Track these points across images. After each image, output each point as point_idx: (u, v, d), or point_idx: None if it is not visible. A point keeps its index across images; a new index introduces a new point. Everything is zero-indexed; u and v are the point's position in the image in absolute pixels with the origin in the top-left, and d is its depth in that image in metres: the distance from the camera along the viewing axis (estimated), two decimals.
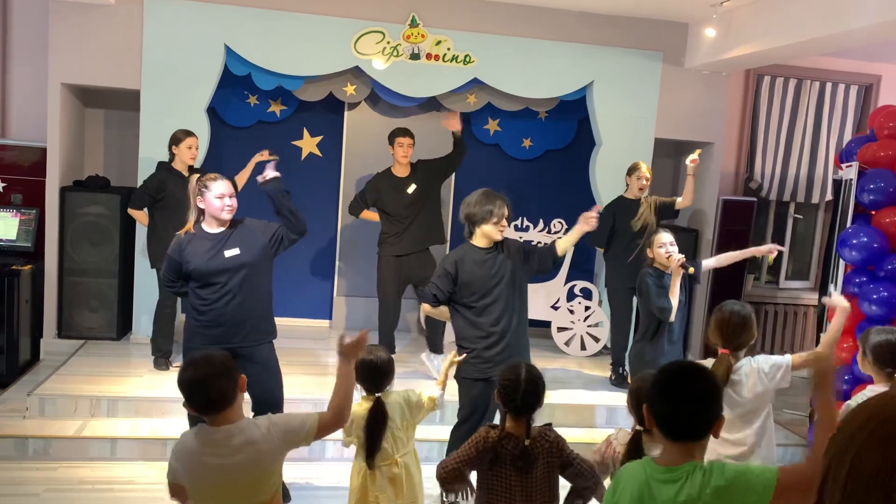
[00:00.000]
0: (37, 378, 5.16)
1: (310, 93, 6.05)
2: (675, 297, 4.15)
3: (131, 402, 4.73)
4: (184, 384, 2.36)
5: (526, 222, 6.35)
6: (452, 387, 3.92)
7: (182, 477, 2.43)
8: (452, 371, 3.58)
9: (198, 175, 3.70)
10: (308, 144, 6.52)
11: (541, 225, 6.37)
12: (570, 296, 6.41)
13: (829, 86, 7.05)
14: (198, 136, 5.26)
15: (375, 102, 6.38)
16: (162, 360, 5.21)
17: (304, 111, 6.38)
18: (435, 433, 4.42)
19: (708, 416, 1.93)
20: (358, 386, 3.02)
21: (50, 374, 5.05)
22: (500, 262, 3.81)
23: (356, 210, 5.74)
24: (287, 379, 4.88)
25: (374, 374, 3.09)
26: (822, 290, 5.39)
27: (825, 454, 0.94)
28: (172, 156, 5.16)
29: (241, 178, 5.41)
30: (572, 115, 6.58)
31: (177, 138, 5.14)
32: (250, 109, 6.29)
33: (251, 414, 3.65)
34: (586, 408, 5.21)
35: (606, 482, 2.74)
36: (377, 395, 3.10)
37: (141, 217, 5.26)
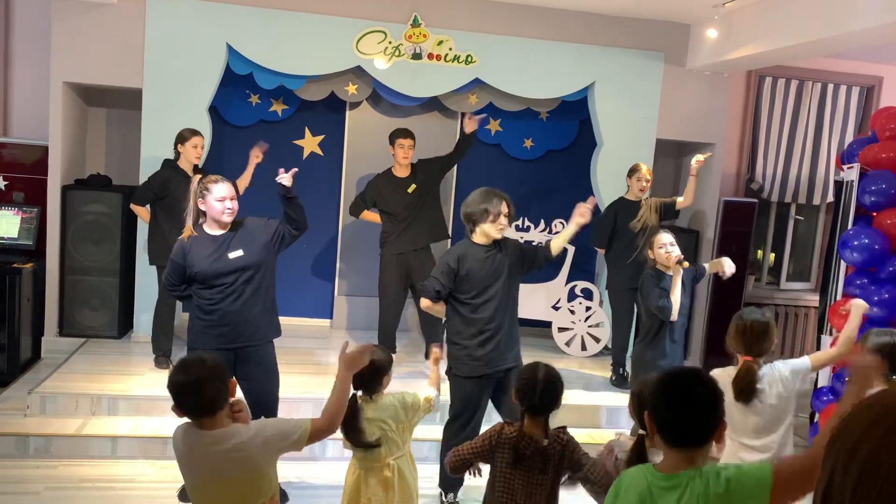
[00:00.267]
0: (38, 376, 5.17)
1: (311, 92, 6.06)
2: (675, 298, 4.16)
3: (132, 401, 4.74)
4: (174, 387, 2.35)
5: (527, 222, 6.36)
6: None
7: (181, 469, 2.46)
8: (443, 369, 3.58)
9: (199, 176, 3.70)
10: (309, 144, 6.52)
11: (542, 225, 6.37)
12: (571, 296, 6.41)
13: (830, 87, 7.05)
14: (203, 136, 5.26)
15: (377, 102, 6.38)
16: (163, 359, 5.21)
17: (306, 110, 6.38)
18: (434, 433, 4.41)
19: (710, 422, 1.92)
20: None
21: (51, 373, 5.06)
22: (499, 261, 3.83)
23: (356, 211, 5.74)
24: (287, 378, 4.88)
25: (364, 374, 3.02)
26: (823, 292, 5.39)
27: (827, 454, 0.93)
28: (178, 154, 5.16)
29: (243, 181, 5.40)
30: (574, 115, 6.58)
31: (183, 137, 5.14)
32: (252, 109, 6.29)
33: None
34: (587, 408, 5.21)
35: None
36: (354, 392, 3.06)
37: (143, 213, 5.27)
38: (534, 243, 6.35)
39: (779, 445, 3.23)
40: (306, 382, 5.18)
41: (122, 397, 4.74)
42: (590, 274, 6.78)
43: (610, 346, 6.11)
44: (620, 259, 5.61)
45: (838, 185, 5.24)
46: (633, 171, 5.64)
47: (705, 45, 6.02)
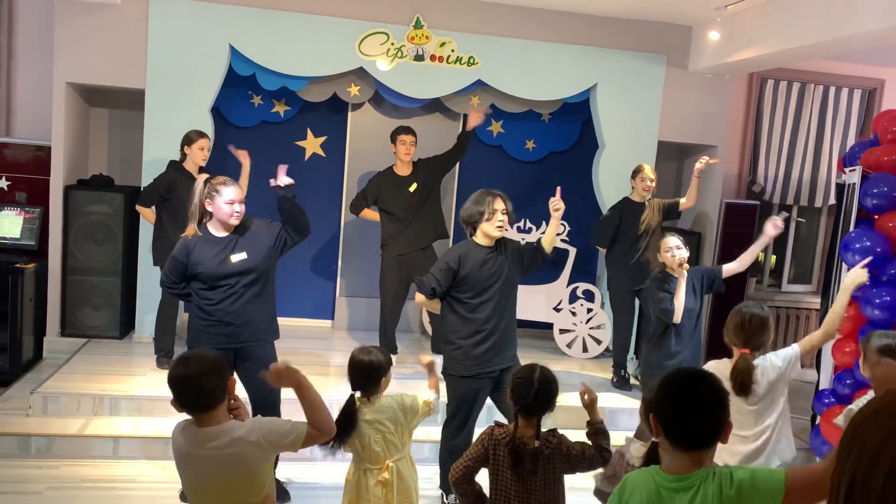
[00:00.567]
0: (40, 376, 5.18)
1: (314, 93, 6.07)
2: (679, 301, 4.15)
3: (134, 401, 4.74)
4: (174, 380, 2.37)
5: (528, 224, 6.36)
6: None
7: (178, 467, 2.47)
8: (439, 370, 3.58)
9: (206, 176, 3.70)
10: (311, 145, 6.53)
11: (543, 226, 6.36)
12: (573, 298, 6.41)
13: (832, 90, 7.05)
14: (209, 138, 5.26)
15: (379, 103, 6.39)
16: (164, 359, 5.21)
17: (308, 111, 6.39)
18: (434, 434, 4.41)
19: (716, 423, 1.90)
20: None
21: (53, 373, 5.06)
22: (500, 263, 3.84)
23: (357, 209, 5.74)
24: None
25: (360, 374, 3.05)
26: (825, 294, 5.39)
27: (845, 453, 0.92)
28: (184, 156, 5.16)
29: (241, 184, 5.40)
30: (576, 117, 6.58)
31: (189, 139, 5.15)
32: (254, 109, 6.30)
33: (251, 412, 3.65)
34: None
35: None
36: (352, 393, 3.06)
37: (148, 214, 5.27)
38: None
39: (772, 432, 3.26)
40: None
41: (124, 397, 4.75)
42: (591, 276, 6.79)
43: (611, 347, 6.11)
44: (621, 260, 5.60)
45: (840, 187, 5.24)
46: (636, 171, 5.63)
47: (707, 47, 6.02)
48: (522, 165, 6.75)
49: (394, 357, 5.32)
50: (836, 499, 0.94)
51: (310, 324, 6.65)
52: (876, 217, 4.71)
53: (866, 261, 3.84)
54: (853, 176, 4.88)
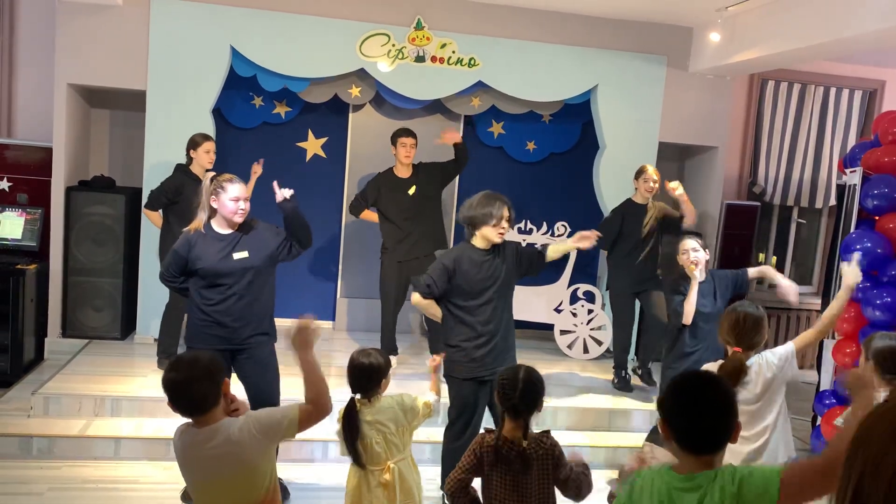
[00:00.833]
0: (41, 377, 5.19)
1: (315, 94, 6.07)
2: (689, 303, 4.14)
3: (135, 402, 4.75)
4: (166, 385, 2.39)
5: (529, 225, 6.37)
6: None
7: (181, 469, 2.48)
8: (441, 373, 3.58)
9: (214, 174, 3.72)
10: (312, 146, 6.54)
11: (544, 228, 6.38)
12: (573, 299, 6.42)
13: (833, 91, 7.05)
14: (214, 141, 5.26)
15: (380, 104, 6.39)
16: (166, 360, 5.21)
17: (309, 113, 6.40)
18: (435, 436, 4.42)
19: (725, 427, 1.91)
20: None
21: (54, 374, 5.07)
22: (497, 266, 3.84)
23: (357, 210, 5.73)
24: (289, 379, 4.89)
25: (360, 376, 3.07)
26: (825, 295, 5.39)
27: (851, 458, 0.93)
28: (190, 159, 5.17)
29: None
30: (576, 118, 6.59)
31: (195, 142, 5.15)
32: (255, 111, 6.31)
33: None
34: (589, 411, 5.21)
35: None
36: (352, 396, 3.07)
37: (155, 218, 5.27)
38: (536, 246, 6.36)
39: (772, 432, 3.26)
40: None
41: (126, 398, 4.75)
42: (592, 277, 6.79)
43: (612, 349, 6.12)
44: (622, 262, 5.57)
45: (840, 188, 5.25)
46: (639, 172, 5.57)
47: (708, 48, 6.03)
48: (523, 167, 6.76)
49: (394, 358, 5.33)
50: (843, 501, 0.95)
51: None
52: (877, 218, 4.72)
53: (856, 257, 3.84)
54: (854, 177, 4.89)
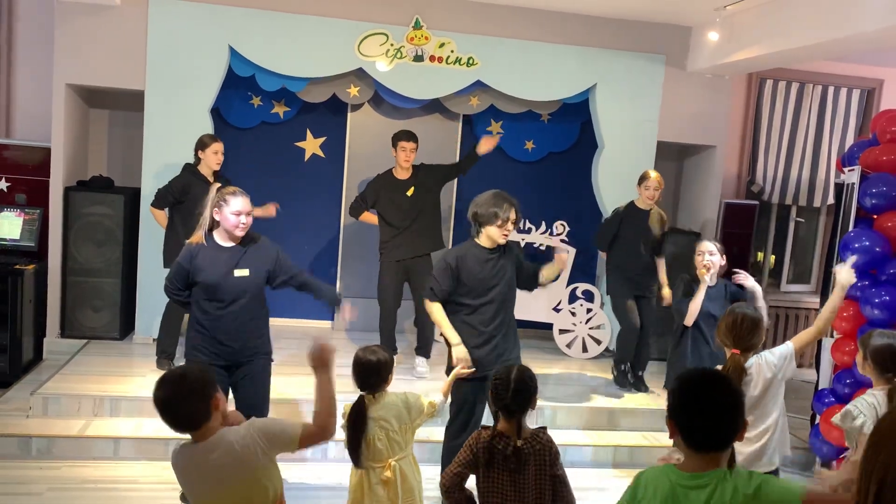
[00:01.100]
0: (40, 377, 5.18)
1: (313, 94, 6.07)
2: (694, 304, 4.14)
3: (134, 402, 4.74)
4: (156, 402, 2.36)
5: (528, 224, 6.37)
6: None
7: (184, 487, 2.46)
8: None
9: (219, 185, 3.72)
10: (311, 146, 6.54)
11: (543, 227, 6.38)
12: (572, 298, 6.42)
13: (831, 90, 7.06)
14: (222, 142, 5.23)
15: (378, 104, 6.39)
16: (165, 361, 5.21)
17: (308, 112, 6.39)
18: (436, 434, 4.42)
19: (732, 426, 1.91)
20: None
21: (53, 374, 5.06)
22: (500, 266, 3.85)
23: (357, 212, 5.73)
24: (288, 379, 4.91)
25: (366, 373, 3.08)
26: (824, 294, 5.39)
27: (870, 465, 0.93)
28: (198, 160, 5.17)
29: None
30: (575, 117, 6.59)
31: (203, 143, 5.15)
32: (254, 110, 6.30)
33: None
34: (587, 410, 5.21)
35: None
36: (362, 393, 3.08)
37: (160, 217, 5.26)
38: (535, 245, 6.37)
39: (773, 433, 3.28)
40: (307, 383, 5.18)
41: (125, 398, 4.74)
42: (591, 276, 6.79)
43: (611, 347, 6.12)
44: (620, 266, 5.49)
45: (839, 187, 5.25)
46: (642, 178, 5.44)
47: (706, 47, 6.03)
48: (522, 166, 6.76)
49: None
50: (865, 499, 0.95)
51: (310, 325, 6.65)
52: (875, 217, 4.72)
53: (851, 260, 3.85)
54: (852, 176, 4.89)
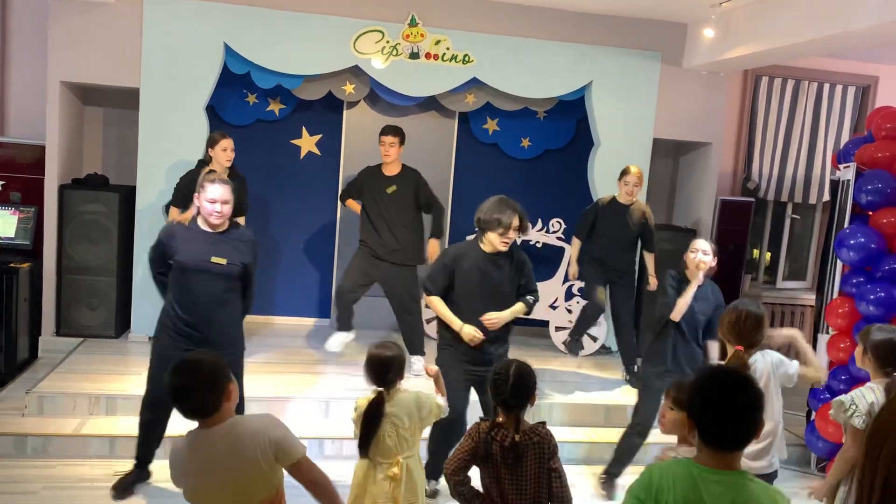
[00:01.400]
0: (35, 376, 5.17)
1: (309, 91, 6.06)
2: (682, 301, 4.11)
3: (130, 400, 4.71)
4: (167, 388, 2.37)
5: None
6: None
7: (179, 479, 2.44)
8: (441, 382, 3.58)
9: (208, 169, 3.74)
10: (307, 143, 6.52)
11: (539, 224, 6.38)
12: (568, 295, 6.42)
13: (826, 87, 7.07)
14: (231, 139, 5.20)
15: (374, 101, 6.38)
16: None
17: (303, 110, 6.38)
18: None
19: (753, 426, 1.93)
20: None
21: (48, 372, 5.05)
22: (499, 275, 3.85)
23: (344, 197, 5.72)
24: (285, 377, 4.91)
25: (383, 369, 3.10)
26: (820, 291, 5.41)
27: (873, 452, 0.92)
28: (209, 157, 5.16)
29: None
30: (571, 115, 6.59)
31: (213, 140, 5.14)
32: (249, 108, 6.29)
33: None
34: (584, 406, 5.22)
35: None
36: (380, 389, 3.11)
37: (176, 215, 5.23)
38: (532, 243, 6.37)
39: (775, 433, 3.29)
40: (304, 381, 5.19)
41: (120, 397, 4.73)
42: None
43: (607, 344, 6.14)
44: (596, 258, 5.56)
45: (834, 184, 5.26)
46: (622, 173, 5.52)
47: (702, 44, 6.03)
48: (518, 163, 6.75)
49: (344, 341, 5.43)
50: (869, 495, 0.95)
51: (306, 322, 6.65)
52: (870, 213, 4.73)
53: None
54: (847, 172, 4.90)
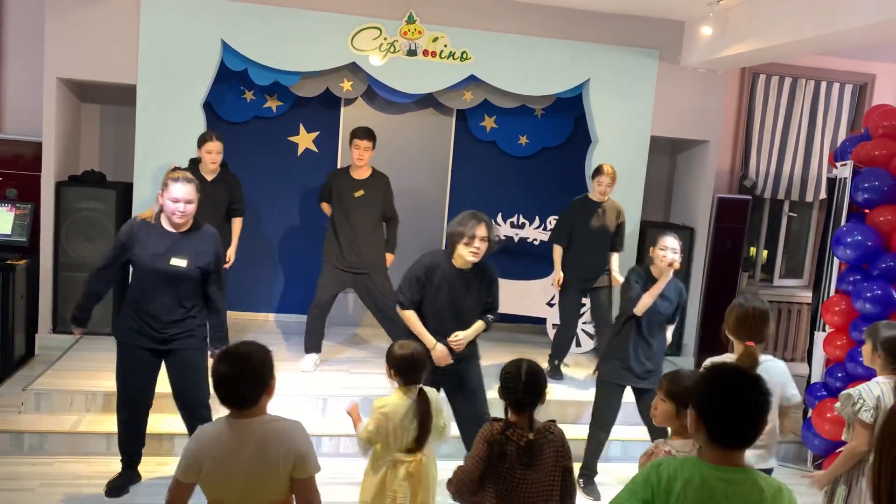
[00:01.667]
0: (32, 373, 5.16)
1: (306, 88, 6.05)
2: (650, 296, 4.08)
3: None
4: (213, 374, 2.38)
5: (521, 219, 6.36)
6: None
7: (194, 467, 2.38)
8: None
9: (174, 167, 3.69)
10: (304, 140, 6.52)
11: (536, 222, 6.38)
12: None
13: (823, 84, 7.08)
14: (218, 141, 5.14)
15: (372, 98, 6.38)
16: None
17: (301, 107, 6.38)
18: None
19: (761, 424, 1.95)
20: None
21: (45, 370, 5.05)
22: (467, 284, 3.82)
23: (320, 200, 5.66)
24: (281, 374, 4.86)
25: (411, 367, 3.18)
26: (816, 289, 5.42)
27: (884, 453, 0.92)
28: (199, 158, 5.15)
29: (232, 252, 5.36)
30: (569, 112, 6.59)
31: (202, 140, 5.12)
32: (246, 105, 6.28)
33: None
34: (581, 404, 5.22)
35: None
36: (418, 386, 3.18)
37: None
38: (529, 240, 6.37)
39: (774, 433, 3.30)
40: (300, 378, 5.18)
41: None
42: None
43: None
44: (573, 261, 5.53)
45: (831, 182, 5.27)
46: (596, 172, 5.52)
47: (700, 42, 6.03)
48: (515, 161, 6.75)
49: (318, 356, 5.40)
50: (882, 498, 0.95)
51: (303, 319, 6.63)
52: (867, 211, 4.74)
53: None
54: (844, 170, 4.91)
